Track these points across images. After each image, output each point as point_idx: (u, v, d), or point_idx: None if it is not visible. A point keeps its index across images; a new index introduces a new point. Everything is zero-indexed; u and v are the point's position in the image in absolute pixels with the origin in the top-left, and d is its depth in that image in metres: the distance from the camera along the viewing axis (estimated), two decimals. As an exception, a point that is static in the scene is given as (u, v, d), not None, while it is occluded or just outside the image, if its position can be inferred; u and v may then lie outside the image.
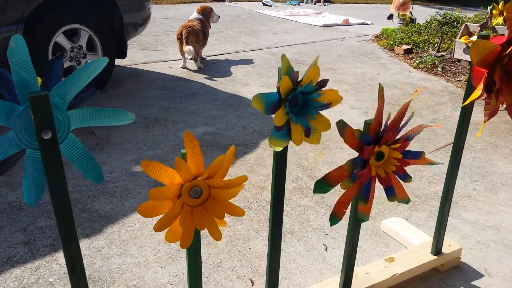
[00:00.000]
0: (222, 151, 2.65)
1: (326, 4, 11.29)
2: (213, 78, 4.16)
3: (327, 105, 1.10)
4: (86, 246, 1.78)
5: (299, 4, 10.84)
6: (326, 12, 9.14)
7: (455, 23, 6.10)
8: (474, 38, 4.56)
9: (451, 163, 1.54)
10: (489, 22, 4.67)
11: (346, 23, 7.92)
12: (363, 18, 8.60)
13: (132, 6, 3.65)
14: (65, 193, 0.96)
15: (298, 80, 1.05)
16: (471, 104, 1.45)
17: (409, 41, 5.64)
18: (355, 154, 1.19)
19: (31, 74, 0.90)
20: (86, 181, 2.22)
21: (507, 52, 1.24)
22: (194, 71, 4.38)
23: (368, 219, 1.27)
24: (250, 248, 1.81)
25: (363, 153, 1.14)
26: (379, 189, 1.36)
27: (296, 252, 1.81)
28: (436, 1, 12.95)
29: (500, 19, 4.44)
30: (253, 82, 4.08)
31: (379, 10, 7.56)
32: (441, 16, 6.30)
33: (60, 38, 3.16)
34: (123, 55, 3.73)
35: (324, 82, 1.08)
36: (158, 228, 0.96)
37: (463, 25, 4.82)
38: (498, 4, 4.45)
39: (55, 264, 1.67)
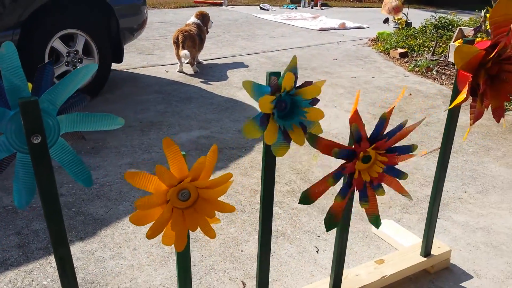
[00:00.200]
0: (217, 154, 2.67)
1: (323, 8, 11.34)
2: (209, 82, 4.19)
3: (315, 100, 1.10)
4: (80, 249, 1.80)
5: (296, 8, 10.89)
6: (323, 16, 9.19)
7: (450, 26, 6.15)
8: (468, 41, 4.59)
9: (439, 166, 1.57)
10: (483, 26, 4.71)
11: (343, 27, 7.96)
12: (359, 21, 8.65)
13: (129, 11, 3.68)
14: (55, 196, 0.98)
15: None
16: (458, 107, 1.47)
17: (405, 45, 5.68)
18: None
19: (22, 80, 0.92)
20: (80, 185, 2.24)
21: (490, 56, 1.26)
22: (191, 75, 4.41)
23: (380, 223, 1.27)
24: (242, 251, 1.83)
25: (346, 168, 1.17)
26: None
27: (288, 255, 1.83)
28: (432, 5, 13.02)
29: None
30: (249, 86, 4.11)
31: (376, 13, 7.60)
32: (436, 19, 6.34)
33: (56, 43, 3.19)
34: (119, 59, 3.75)
35: (316, 101, 1.09)
36: (150, 235, 0.98)
37: (458, 28, 4.86)
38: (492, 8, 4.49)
39: (49, 267, 1.69)
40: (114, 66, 4.13)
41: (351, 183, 1.19)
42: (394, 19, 6.81)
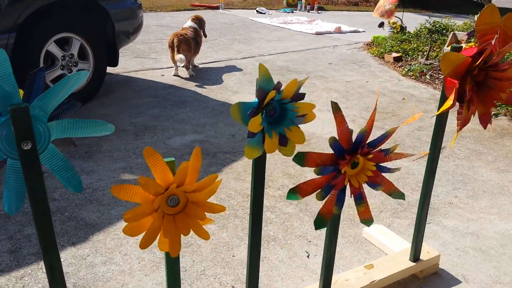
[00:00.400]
0: (210, 158, 2.69)
1: (319, 11, 11.39)
2: (205, 86, 4.21)
3: (302, 117, 1.13)
4: (71, 254, 1.81)
5: (292, 12, 10.93)
6: (319, 20, 9.23)
7: (444, 31, 6.20)
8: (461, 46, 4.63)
9: (427, 171, 1.59)
10: (476, 31, 4.74)
11: (339, 31, 8.01)
12: (355, 26, 8.70)
13: (124, 14, 3.69)
14: (44, 202, 0.99)
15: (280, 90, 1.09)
16: (446, 114, 1.50)
17: (399, 49, 5.72)
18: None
19: (13, 86, 0.93)
20: (74, 189, 2.25)
21: (477, 63, 1.29)
22: (186, 79, 4.43)
23: (372, 222, 1.28)
24: (233, 256, 1.85)
25: (336, 185, 1.18)
26: (368, 196, 1.38)
27: (279, 260, 1.84)
28: (428, 9, 13.11)
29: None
30: (244, 90, 4.13)
31: (372, 18, 7.65)
32: (430, 24, 6.39)
33: (51, 46, 3.20)
34: (115, 63, 3.76)
35: (301, 96, 1.12)
36: (143, 244, 1.00)
37: (451, 33, 4.90)
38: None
39: (40, 272, 1.70)
40: (110, 69, 4.14)
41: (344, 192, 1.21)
42: (389, 23, 6.86)
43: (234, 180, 2.45)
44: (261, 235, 1.28)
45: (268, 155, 1.11)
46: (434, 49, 5.49)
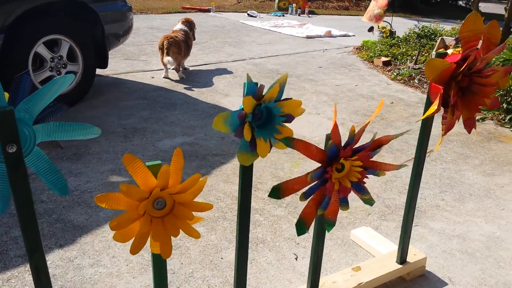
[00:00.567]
0: (200, 161, 2.69)
1: (310, 15, 11.45)
2: (194, 89, 4.21)
3: (290, 116, 1.14)
4: (59, 256, 1.79)
5: (283, 16, 10.97)
6: (309, 24, 9.28)
7: (432, 36, 6.27)
8: (449, 51, 4.70)
9: (413, 174, 1.61)
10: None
11: (329, 35, 8.05)
12: (345, 30, 8.75)
13: (114, 17, 3.68)
14: (30, 205, 0.99)
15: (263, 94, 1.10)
16: (431, 118, 1.52)
17: (388, 54, 5.77)
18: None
19: (-2, 89, 0.93)
20: (61, 191, 2.23)
21: (461, 69, 1.31)
22: (176, 81, 4.42)
23: (334, 224, 1.29)
24: (222, 258, 1.85)
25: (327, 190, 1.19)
26: (351, 199, 1.38)
27: (267, 262, 1.85)
28: (417, 14, 13.24)
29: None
30: (234, 93, 4.14)
31: (361, 22, 7.72)
32: (419, 29, 6.46)
33: (40, 48, 3.18)
34: (104, 65, 3.75)
35: (291, 118, 1.13)
36: (133, 250, 1.00)
37: (440, 38, 4.96)
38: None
39: (27, 274, 1.68)
40: (99, 71, 4.12)
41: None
42: (378, 28, 6.92)
43: (223, 182, 2.45)
44: (248, 237, 1.28)
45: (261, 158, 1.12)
46: (423, 53, 5.55)
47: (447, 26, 7.32)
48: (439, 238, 2.07)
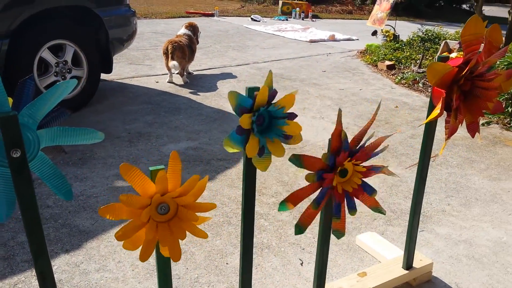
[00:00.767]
0: (204, 165, 2.68)
1: (313, 19, 11.47)
2: (199, 93, 4.21)
3: (288, 137, 1.14)
4: (65, 261, 1.79)
5: (287, 20, 10.99)
6: (313, 28, 9.29)
7: (436, 39, 6.25)
8: (453, 54, 4.68)
9: (418, 179, 1.60)
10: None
11: (332, 39, 8.05)
12: (349, 34, 8.75)
13: (118, 21, 3.69)
14: (35, 209, 0.98)
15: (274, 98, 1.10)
16: (434, 122, 1.51)
17: (392, 57, 5.76)
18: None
19: (2, 94, 0.93)
20: (66, 196, 2.24)
21: (463, 73, 1.30)
22: (180, 85, 4.43)
23: (343, 235, 1.29)
24: (227, 263, 1.84)
25: (324, 182, 1.19)
26: (360, 204, 1.37)
27: (273, 267, 1.83)
28: (420, 17, 13.23)
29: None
30: (238, 97, 4.13)
31: (365, 26, 7.72)
32: (423, 32, 6.45)
33: (45, 53, 3.19)
34: (109, 70, 3.76)
35: (293, 116, 1.13)
36: (142, 257, 1.00)
37: (444, 41, 4.95)
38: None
39: (34, 279, 1.68)
40: (104, 76, 4.13)
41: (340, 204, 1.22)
42: (382, 32, 6.92)
43: (228, 187, 2.45)
44: (253, 242, 1.27)
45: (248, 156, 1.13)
46: (427, 57, 5.54)
47: (451, 30, 7.31)
48: (446, 243, 2.05)
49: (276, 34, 8.36)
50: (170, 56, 4.33)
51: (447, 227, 2.18)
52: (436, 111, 1.30)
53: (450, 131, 1.37)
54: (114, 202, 0.94)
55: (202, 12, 10.77)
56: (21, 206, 0.97)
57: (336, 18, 12.43)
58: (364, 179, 1.24)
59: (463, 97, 1.34)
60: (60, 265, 1.76)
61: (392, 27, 6.89)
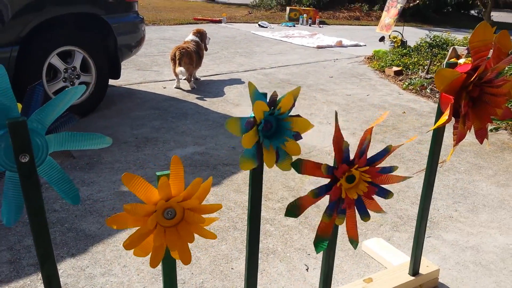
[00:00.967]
0: (211, 170, 2.69)
1: (321, 25, 11.49)
2: (206, 99, 4.23)
3: (298, 135, 1.15)
4: (71, 265, 1.80)
5: (294, 26, 11.03)
6: (320, 34, 9.31)
7: (444, 45, 6.23)
8: (461, 60, 4.66)
9: (425, 185, 1.59)
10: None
11: (340, 45, 8.06)
12: (356, 39, 8.76)
13: (126, 28, 3.73)
14: (42, 214, 1.00)
15: (276, 103, 1.11)
16: (442, 128, 1.50)
17: (400, 63, 5.75)
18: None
19: (11, 100, 0.95)
20: (74, 201, 2.25)
21: (471, 79, 1.30)
22: (188, 91, 4.46)
23: (357, 243, 1.29)
24: (232, 268, 1.84)
25: (331, 192, 1.19)
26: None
27: (278, 273, 1.83)
28: (428, 23, 13.20)
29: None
30: (245, 103, 4.15)
31: (372, 32, 7.73)
32: (431, 38, 6.43)
33: (54, 59, 3.23)
34: (117, 75, 3.80)
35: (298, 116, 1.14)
36: (152, 263, 1.01)
37: (452, 47, 4.93)
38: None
39: (40, 283, 1.70)
40: (112, 82, 4.17)
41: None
42: (389, 37, 6.91)
43: (234, 192, 2.45)
44: (258, 247, 1.28)
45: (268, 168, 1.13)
46: (435, 63, 5.52)
47: (459, 36, 7.28)
48: (453, 250, 2.04)
49: (283, 40, 8.39)
50: (177, 62, 4.36)
51: (454, 233, 2.17)
52: (444, 117, 1.29)
53: (458, 137, 1.36)
54: (120, 212, 0.95)
55: (210, 18, 10.84)
56: (29, 210, 0.98)
57: (343, 24, 12.44)
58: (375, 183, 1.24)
59: (472, 103, 1.33)
60: (66, 269, 1.78)
61: (400, 33, 6.88)
